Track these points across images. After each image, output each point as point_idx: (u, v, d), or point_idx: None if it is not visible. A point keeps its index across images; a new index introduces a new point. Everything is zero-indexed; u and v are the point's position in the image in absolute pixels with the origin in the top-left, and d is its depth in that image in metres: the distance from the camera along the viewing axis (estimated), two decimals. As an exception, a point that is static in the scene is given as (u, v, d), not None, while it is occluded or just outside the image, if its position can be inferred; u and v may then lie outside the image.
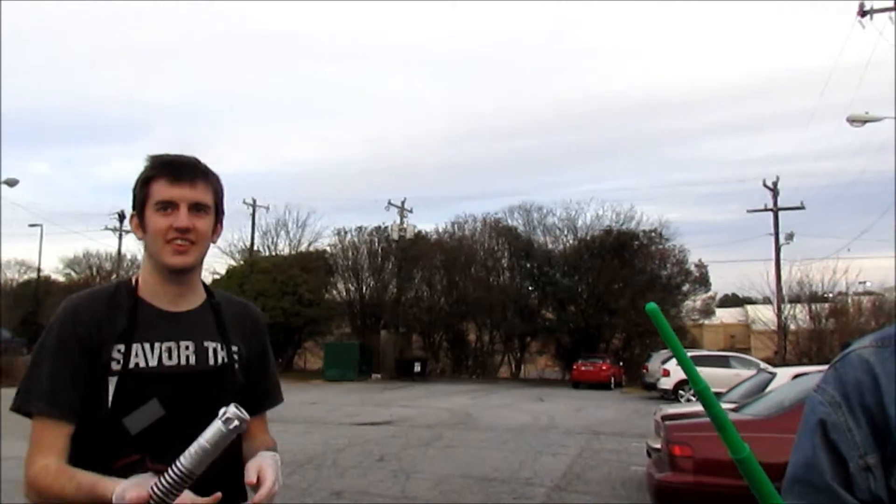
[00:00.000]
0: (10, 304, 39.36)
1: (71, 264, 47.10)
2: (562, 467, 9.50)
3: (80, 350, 1.48)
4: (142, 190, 1.54)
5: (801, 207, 31.74)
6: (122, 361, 1.48)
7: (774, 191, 31.78)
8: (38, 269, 44.45)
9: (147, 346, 1.51)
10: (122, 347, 1.49)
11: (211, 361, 1.56)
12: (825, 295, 30.54)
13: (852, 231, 65.88)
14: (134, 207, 1.57)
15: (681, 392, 21.17)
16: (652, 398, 21.58)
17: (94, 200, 78.20)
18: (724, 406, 6.95)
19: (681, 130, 79.26)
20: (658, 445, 6.18)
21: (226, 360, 1.58)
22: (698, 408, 9.53)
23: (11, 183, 29.74)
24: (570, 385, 30.12)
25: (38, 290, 41.66)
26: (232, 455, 1.54)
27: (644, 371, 26.09)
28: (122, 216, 39.88)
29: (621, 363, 32.56)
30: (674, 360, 22.78)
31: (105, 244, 71.50)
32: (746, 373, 15.54)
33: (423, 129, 77.86)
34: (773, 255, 31.51)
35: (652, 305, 0.99)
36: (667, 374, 22.40)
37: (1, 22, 56.20)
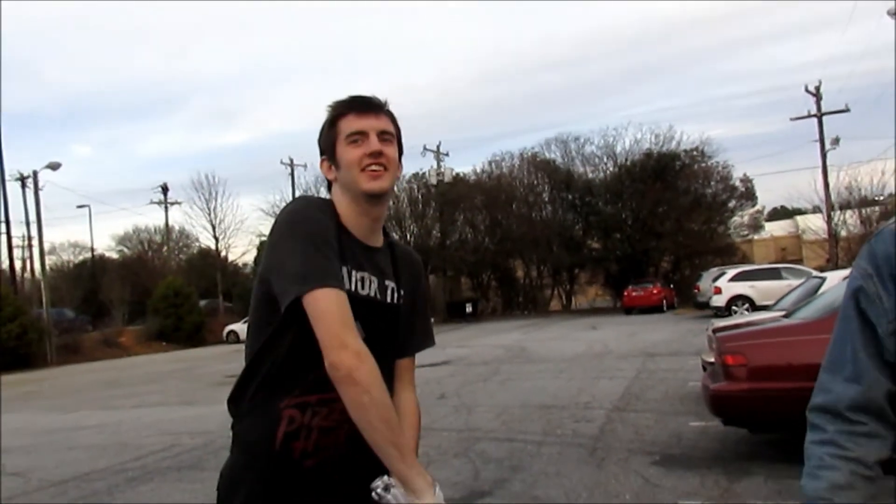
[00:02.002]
0: (70, 284, 40.83)
1: (122, 241, 48.50)
2: (619, 390, 9.67)
3: (331, 240, 1.53)
4: (330, 130, 1.63)
5: (846, 110, 30.74)
6: None
7: (817, 96, 30.76)
8: (92, 249, 45.90)
9: (349, 270, 1.56)
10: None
11: (389, 299, 1.65)
12: (875, 198, 29.71)
13: (902, 129, 63.20)
14: (323, 153, 1.65)
15: (734, 308, 21.06)
16: (705, 317, 21.53)
17: (139, 176, 79.64)
18: (776, 314, 6.96)
19: (716, 44, 76.62)
20: (712, 359, 6.27)
21: (398, 300, 1.67)
22: (748, 318, 9.58)
23: (54, 166, 30.59)
24: (622, 312, 30.22)
25: (94, 269, 43.06)
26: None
27: (696, 291, 25.97)
28: (165, 189, 40.79)
29: (672, 285, 32.42)
30: (725, 277, 22.64)
31: (153, 218, 73.33)
32: (799, 282, 15.38)
33: (452, 71, 76.81)
34: (819, 163, 30.70)
35: None
36: (719, 291, 22.27)
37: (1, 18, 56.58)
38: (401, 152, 1.68)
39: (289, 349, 1.52)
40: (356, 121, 1.60)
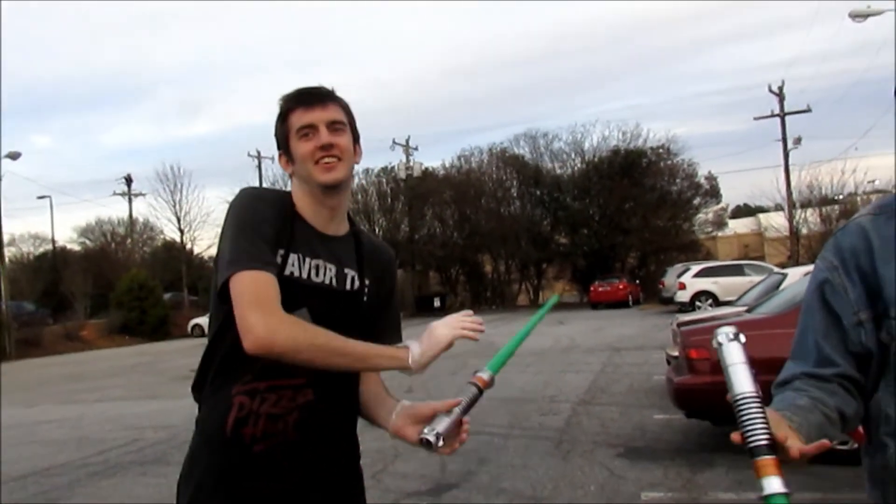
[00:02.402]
0: (30, 277, 39.93)
1: (84, 233, 47.49)
2: (585, 383, 9.78)
3: (267, 229, 1.55)
4: (282, 126, 1.64)
5: (808, 110, 31.43)
6: (280, 266, 1.56)
7: (780, 95, 31.36)
8: (53, 241, 44.91)
9: (300, 258, 1.59)
10: (283, 252, 1.57)
11: (348, 287, 1.65)
12: (835, 197, 30.40)
13: (860, 130, 64.90)
14: (279, 147, 1.67)
15: (697, 303, 21.40)
16: (669, 312, 21.82)
17: (102, 168, 78.10)
18: (738, 309, 7.11)
19: (684, 44, 77.60)
20: (676, 353, 6.37)
21: (359, 288, 1.67)
22: (711, 313, 9.74)
23: (14, 156, 29.85)
24: (588, 307, 30.48)
25: (55, 262, 42.14)
26: (349, 397, 1.67)
27: (661, 287, 26.32)
28: (129, 180, 40.05)
29: (637, 281, 32.83)
30: (689, 273, 22.98)
31: (116, 210, 71.93)
32: (761, 278, 15.71)
33: (422, 65, 76.72)
34: (781, 161, 31.32)
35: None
36: (683, 287, 22.62)
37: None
38: (356, 139, 1.68)
39: (236, 336, 1.50)
40: (304, 114, 1.60)
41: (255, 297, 1.45)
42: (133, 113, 75.41)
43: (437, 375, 11.70)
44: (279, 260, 1.55)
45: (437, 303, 34.43)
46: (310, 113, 1.60)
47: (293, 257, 1.57)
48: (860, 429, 1.35)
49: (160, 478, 6.09)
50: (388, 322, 1.77)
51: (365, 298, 1.68)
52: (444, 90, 75.92)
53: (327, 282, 1.61)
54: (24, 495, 5.92)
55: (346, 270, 1.65)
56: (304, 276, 1.58)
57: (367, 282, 1.69)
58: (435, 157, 72.68)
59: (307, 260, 1.59)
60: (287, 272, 1.56)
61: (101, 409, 10.76)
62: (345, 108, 1.67)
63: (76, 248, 46.80)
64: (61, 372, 18.98)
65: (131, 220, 42.38)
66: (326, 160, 1.58)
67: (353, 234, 1.72)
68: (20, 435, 9.02)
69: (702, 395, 5.64)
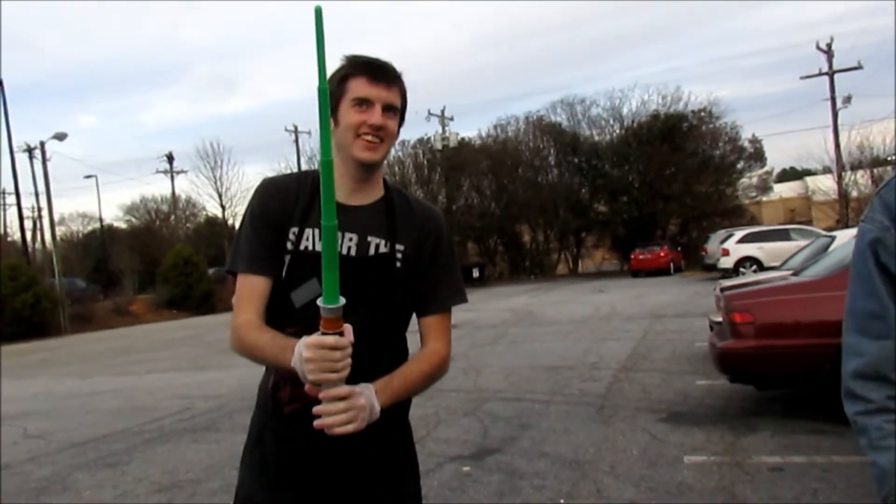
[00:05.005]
0: (80, 255, 41.07)
1: (130, 211, 48.61)
2: (627, 350, 9.75)
3: (267, 222, 1.67)
4: (339, 86, 1.63)
5: (859, 67, 30.28)
6: (294, 242, 1.66)
7: (829, 53, 30.31)
8: (101, 219, 46.07)
9: (317, 231, 1.63)
10: (296, 230, 1.66)
11: (371, 253, 1.68)
12: (888, 157, 29.40)
13: (916, 86, 62.28)
14: None
15: (742, 270, 21.06)
16: (712, 279, 21.53)
17: (144, 146, 79.61)
18: (784, 273, 6.94)
19: (724, 2, 75.23)
20: (719, 318, 6.31)
21: (385, 253, 1.68)
22: (755, 277, 9.60)
23: (60, 137, 30.51)
24: (628, 275, 30.24)
25: (103, 239, 43.28)
26: (388, 359, 1.67)
27: (703, 253, 25.94)
28: (170, 158, 40.75)
29: (679, 248, 32.40)
30: (733, 239, 22.60)
31: (160, 187, 73.34)
32: (808, 243, 15.37)
33: (454, 35, 75.80)
34: (830, 122, 30.38)
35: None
36: (726, 253, 22.25)
37: None
38: (401, 123, 1.70)
39: (272, 307, 1.67)
40: (366, 87, 1.61)
41: (235, 301, 1.66)
42: (172, 91, 76.75)
43: (479, 344, 11.79)
44: (292, 237, 1.66)
45: (475, 273, 34.48)
46: (372, 87, 1.61)
47: (308, 232, 1.65)
48: None
49: (212, 444, 6.31)
50: (436, 287, 1.75)
51: (398, 264, 1.68)
52: (478, 59, 75.26)
53: (344, 251, 1.63)
54: (85, 460, 6.18)
55: (370, 238, 1.67)
56: (319, 248, 1.59)
57: (399, 247, 1.69)
58: (471, 127, 72.32)
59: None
60: (302, 247, 1.65)
61: (153, 380, 11.10)
62: (403, 93, 1.68)
63: (122, 225, 48.06)
64: (113, 345, 19.58)
65: (174, 198, 43.20)
66: (370, 139, 1.61)
67: (386, 201, 1.72)
68: (78, 404, 9.39)
69: (746, 359, 5.60)
